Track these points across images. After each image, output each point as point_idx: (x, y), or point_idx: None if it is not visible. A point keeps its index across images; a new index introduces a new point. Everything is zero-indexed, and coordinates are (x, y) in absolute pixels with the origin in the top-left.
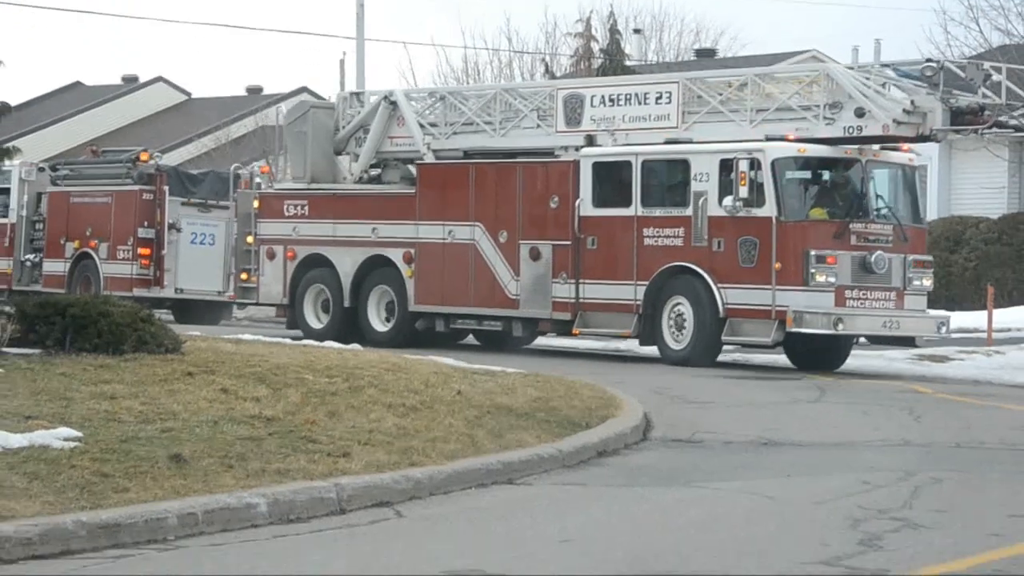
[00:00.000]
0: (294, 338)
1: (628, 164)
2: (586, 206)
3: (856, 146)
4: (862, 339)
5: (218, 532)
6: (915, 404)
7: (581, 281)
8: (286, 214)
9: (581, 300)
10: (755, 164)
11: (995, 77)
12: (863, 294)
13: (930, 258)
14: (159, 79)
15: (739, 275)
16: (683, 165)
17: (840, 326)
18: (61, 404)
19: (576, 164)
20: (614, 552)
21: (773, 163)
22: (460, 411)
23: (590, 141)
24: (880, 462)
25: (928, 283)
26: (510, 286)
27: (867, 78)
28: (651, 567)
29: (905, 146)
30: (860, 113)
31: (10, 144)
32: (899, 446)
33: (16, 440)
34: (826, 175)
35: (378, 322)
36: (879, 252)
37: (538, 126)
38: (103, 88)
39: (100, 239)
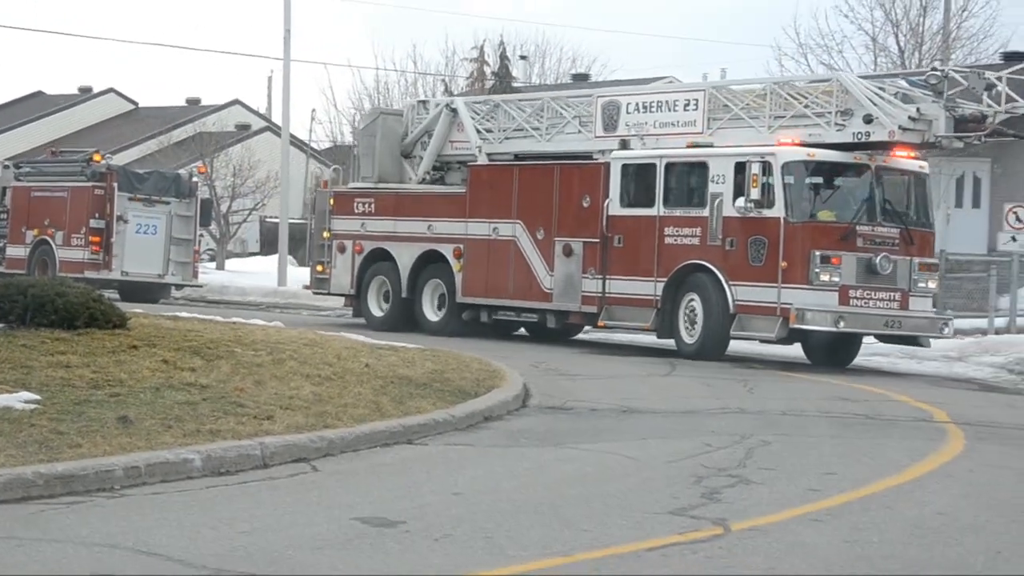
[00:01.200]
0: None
1: (652, 167)
2: (614, 206)
3: (866, 152)
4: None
5: (159, 483)
6: (750, 378)
7: (607, 277)
8: (356, 211)
9: (607, 295)
10: (766, 167)
11: (999, 87)
12: (867, 294)
13: (936, 261)
14: (111, 90)
15: (749, 273)
16: (702, 168)
17: (841, 324)
18: (22, 372)
19: (606, 166)
20: (499, 503)
21: (783, 166)
22: (367, 381)
23: (624, 145)
24: (720, 427)
25: (934, 285)
26: (545, 280)
27: (881, 88)
28: (530, 516)
29: (915, 154)
30: (868, 120)
31: None
32: (736, 414)
33: None
34: (835, 179)
35: (431, 312)
36: (884, 254)
37: (579, 131)
38: (61, 97)
39: (57, 228)
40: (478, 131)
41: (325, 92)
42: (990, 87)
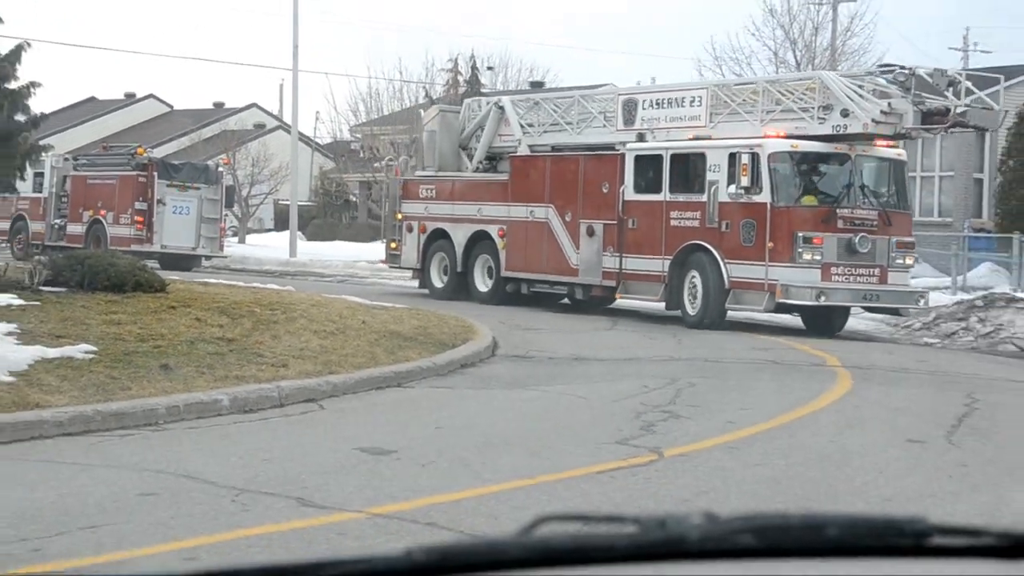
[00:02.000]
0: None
1: (660, 157)
2: (628, 192)
3: (847, 142)
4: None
5: (194, 419)
6: (678, 332)
7: (623, 254)
8: (420, 196)
9: (623, 270)
10: (755, 157)
11: (960, 83)
12: (848, 270)
13: (912, 240)
14: (150, 95)
15: (741, 252)
16: (701, 158)
17: (822, 298)
18: (82, 328)
19: (622, 157)
20: (473, 435)
21: (769, 156)
22: (364, 335)
23: (640, 138)
24: (655, 372)
25: (910, 262)
26: (572, 257)
27: (860, 85)
28: (500, 446)
29: (893, 142)
30: (845, 114)
31: (45, 142)
32: (667, 361)
33: (51, 352)
34: (817, 167)
35: (481, 284)
36: (863, 234)
37: (604, 126)
38: (110, 102)
39: (108, 209)
40: (521, 126)
41: (327, 97)
42: (952, 83)
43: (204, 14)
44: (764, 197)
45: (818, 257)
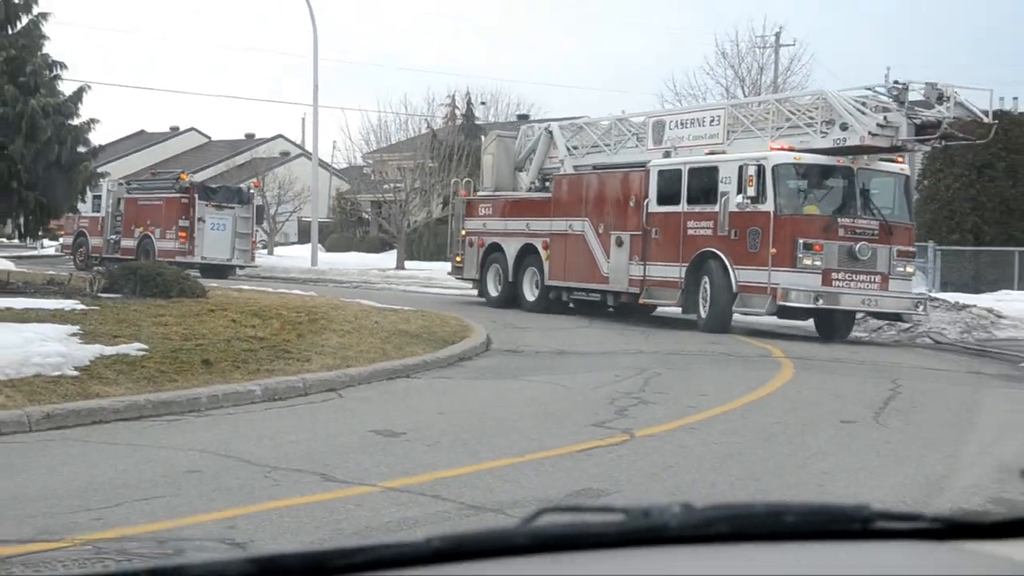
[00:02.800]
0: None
1: (679, 172)
2: (652, 204)
3: (850, 156)
4: (861, 315)
5: (231, 406)
6: (647, 329)
7: (647, 262)
8: (479, 214)
9: (647, 278)
10: (760, 170)
11: (950, 97)
12: (848, 277)
13: (913, 249)
14: (192, 128)
15: (748, 259)
16: (714, 171)
17: (820, 301)
18: (135, 328)
19: (647, 172)
20: (469, 418)
21: (773, 168)
22: (376, 333)
23: (667, 155)
24: (626, 363)
25: (911, 270)
26: (603, 266)
27: (863, 101)
28: (494, 428)
29: (899, 157)
30: (844, 127)
31: (102, 170)
32: (637, 354)
33: (109, 350)
34: (820, 178)
35: (529, 293)
36: (863, 243)
37: (636, 146)
38: (157, 134)
39: (156, 226)
40: (567, 148)
41: (343, 128)
42: (941, 97)
43: (237, 58)
44: (768, 206)
45: (818, 263)
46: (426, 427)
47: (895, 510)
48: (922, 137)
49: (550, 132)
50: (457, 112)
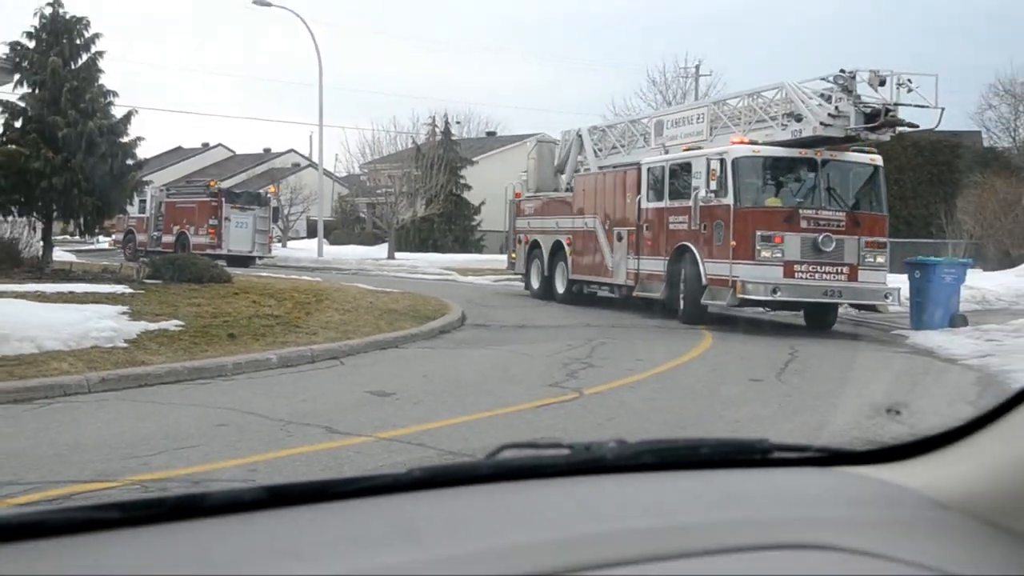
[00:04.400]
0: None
1: (663, 168)
2: (644, 201)
3: (815, 148)
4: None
5: (252, 371)
6: (595, 307)
7: (640, 257)
8: (525, 214)
9: (640, 271)
10: (722, 163)
11: (891, 81)
12: (813, 268)
13: (884, 240)
14: (219, 144)
15: (715, 251)
16: (688, 167)
17: (777, 294)
18: (172, 308)
19: (639, 170)
20: (447, 381)
21: (733, 162)
22: (372, 311)
23: (665, 152)
24: (576, 335)
25: (881, 260)
26: (608, 261)
27: (823, 93)
28: (468, 388)
29: (870, 148)
30: (798, 118)
31: (147, 179)
32: (585, 327)
33: (152, 326)
34: (783, 171)
35: (560, 286)
36: (826, 234)
37: (643, 146)
38: (191, 149)
39: (190, 224)
40: (594, 151)
41: (343, 143)
42: (882, 82)
43: (257, 83)
44: (729, 199)
45: (778, 255)
46: (412, 388)
47: (788, 442)
48: (871, 125)
49: (579, 136)
50: (436, 130)
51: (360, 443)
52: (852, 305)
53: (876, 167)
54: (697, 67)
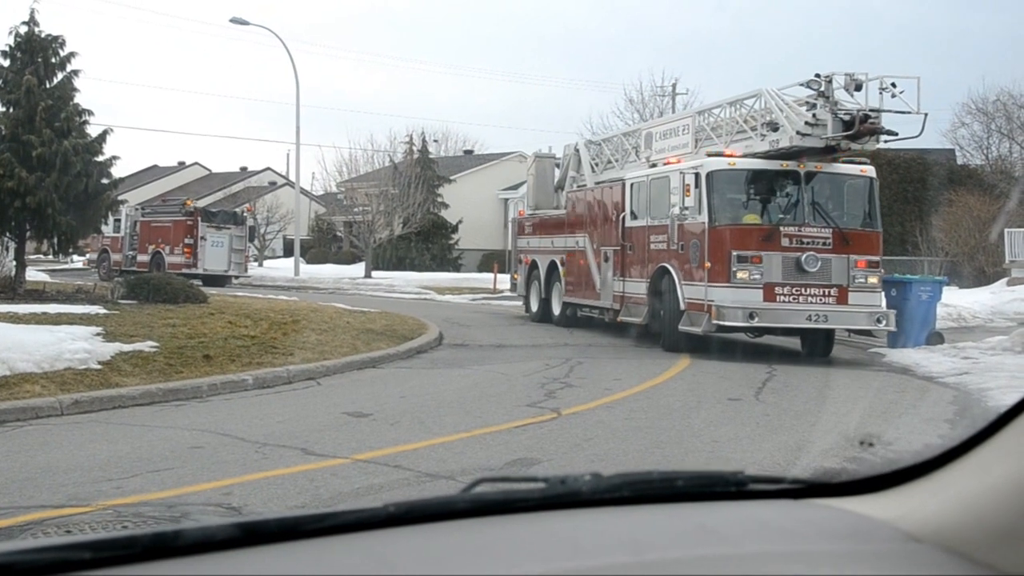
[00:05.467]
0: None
1: (645, 183)
2: (628, 219)
3: (797, 160)
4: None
5: (228, 393)
6: (571, 329)
7: (624, 279)
8: (524, 233)
9: (625, 294)
10: (697, 178)
11: (896, 87)
12: (796, 291)
13: (876, 258)
14: (196, 163)
15: (691, 273)
16: (666, 182)
17: (755, 320)
18: (147, 328)
19: (623, 186)
20: (426, 401)
21: (707, 176)
22: (348, 331)
23: (653, 166)
24: (554, 354)
25: (874, 280)
26: (596, 282)
27: (808, 101)
28: (445, 409)
29: (860, 159)
30: (774, 127)
31: (122, 198)
32: (563, 346)
33: (127, 347)
34: (762, 185)
35: (556, 308)
36: (811, 253)
37: (635, 160)
38: (167, 167)
39: (166, 243)
40: (591, 166)
41: (320, 161)
42: (859, 86)
43: (234, 102)
44: (703, 217)
45: (757, 276)
46: (389, 409)
47: (763, 474)
48: (848, 133)
49: (577, 150)
50: (414, 148)
51: (337, 465)
52: (858, 332)
53: (868, 179)
54: (674, 86)
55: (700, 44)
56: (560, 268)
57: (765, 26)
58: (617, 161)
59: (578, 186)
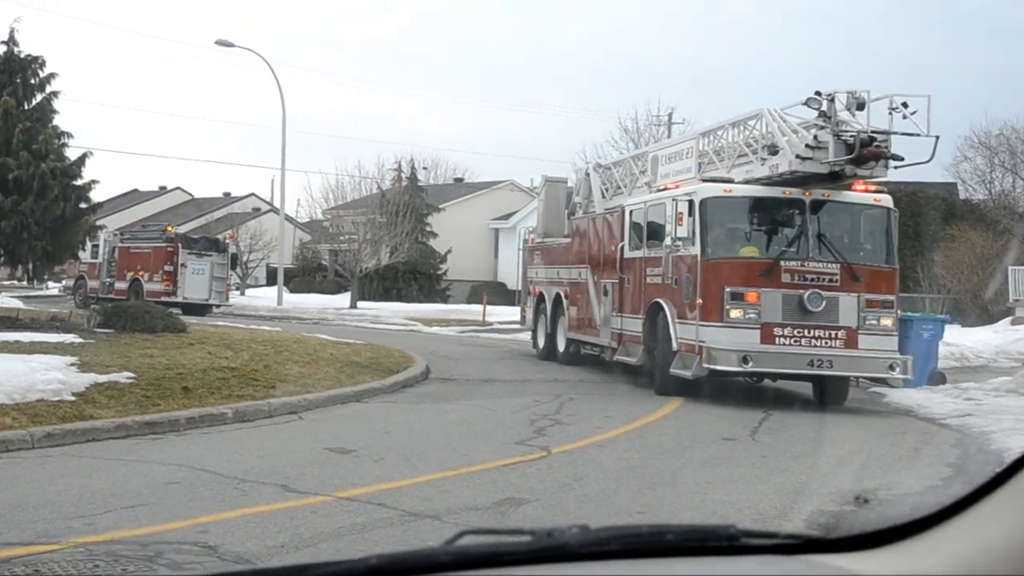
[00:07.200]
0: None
1: (643, 211)
2: (626, 249)
3: (803, 187)
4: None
5: (207, 427)
6: (563, 365)
7: (622, 314)
8: (533, 262)
9: (622, 331)
10: (691, 206)
11: (907, 107)
12: (798, 332)
13: (891, 298)
14: (177, 188)
15: (684, 311)
16: (662, 209)
17: (750, 364)
18: (124, 359)
19: (622, 214)
20: (411, 437)
21: (701, 203)
22: (332, 364)
23: (652, 191)
24: (544, 390)
25: (888, 322)
26: (596, 317)
27: (818, 124)
28: (432, 445)
29: (870, 186)
30: (774, 151)
31: (100, 223)
32: (552, 382)
33: (102, 378)
34: (762, 214)
35: (561, 344)
36: (815, 291)
37: (641, 185)
38: (148, 192)
39: (145, 271)
40: (601, 191)
41: (305, 188)
42: (861, 105)
43: (217, 125)
44: (696, 249)
45: (753, 316)
46: (373, 445)
47: (756, 529)
48: (850, 157)
49: (588, 174)
50: (403, 175)
51: (318, 503)
52: (875, 380)
53: (884, 210)
54: (670, 115)
55: (697, 73)
56: (564, 301)
57: (763, 58)
58: (626, 186)
59: (583, 213)
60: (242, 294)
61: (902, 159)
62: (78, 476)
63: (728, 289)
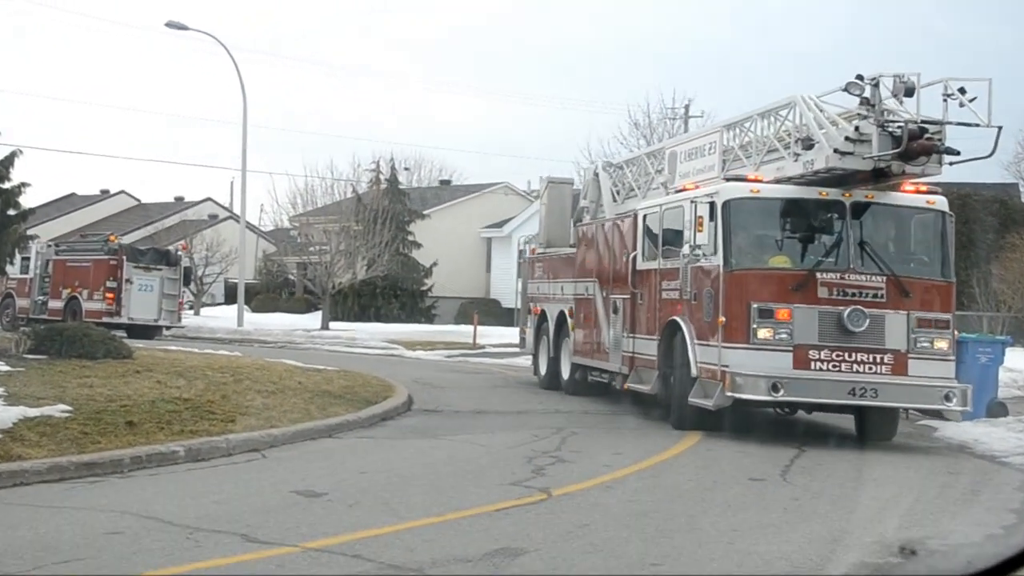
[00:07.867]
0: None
1: (658, 216)
2: (639, 259)
3: (839, 187)
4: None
5: (155, 467)
6: (565, 395)
7: (634, 335)
8: (534, 276)
9: (635, 354)
10: (712, 208)
11: (965, 93)
12: (838, 356)
13: (946, 317)
14: (122, 191)
15: (705, 331)
16: (680, 213)
17: (780, 392)
18: (59, 390)
19: (635, 219)
20: (393, 478)
21: (724, 205)
22: (300, 394)
23: (668, 193)
24: (543, 423)
25: (943, 345)
26: (605, 339)
27: (863, 114)
28: (415, 487)
29: (922, 186)
30: (808, 145)
31: (32, 232)
32: (553, 413)
33: (33, 412)
34: (794, 218)
35: (565, 371)
36: (856, 308)
37: (658, 187)
38: (88, 197)
39: (84, 287)
40: (612, 193)
41: (270, 192)
42: (910, 91)
43: (168, 121)
44: (718, 258)
45: (784, 336)
46: (348, 487)
47: None
48: (897, 151)
49: (596, 175)
50: (381, 177)
51: (284, 554)
52: (925, 411)
53: (939, 213)
54: (687, 107)
55: (716, 57)
56: (569, 321)
57: (791, 38)
58: (639, 188)
59: (591, 218)
60: (196, 314)
61: (958, 153)
62: (2, 526)
63: (755, 305)
